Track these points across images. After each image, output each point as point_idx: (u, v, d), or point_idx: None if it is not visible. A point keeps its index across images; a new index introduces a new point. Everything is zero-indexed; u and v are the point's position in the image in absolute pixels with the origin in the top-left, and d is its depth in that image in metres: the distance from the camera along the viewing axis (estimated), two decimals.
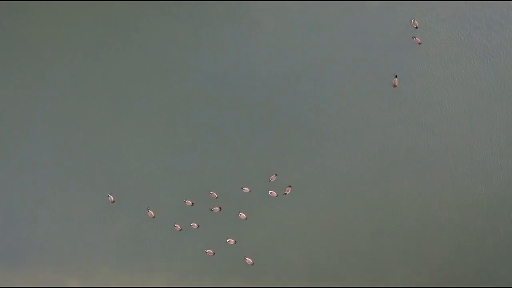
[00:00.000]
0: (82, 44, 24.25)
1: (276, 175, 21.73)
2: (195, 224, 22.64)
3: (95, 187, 23.04)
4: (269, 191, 21.69)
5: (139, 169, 23.01)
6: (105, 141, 23.20)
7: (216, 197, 22.48)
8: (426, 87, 20.96)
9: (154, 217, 22.83)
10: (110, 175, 23.06)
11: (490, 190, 19.84)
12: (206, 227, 22.36)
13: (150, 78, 23.71)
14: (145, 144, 23.25)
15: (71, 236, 23.28)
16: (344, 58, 21.89)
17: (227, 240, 22.15)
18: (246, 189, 22.08)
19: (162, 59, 23.90)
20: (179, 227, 22.66)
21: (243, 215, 21.87)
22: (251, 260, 22.09)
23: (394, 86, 20.81)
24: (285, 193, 21.51)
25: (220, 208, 22.36)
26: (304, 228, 21.35)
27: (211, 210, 22.32)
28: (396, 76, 20.49)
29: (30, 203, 23.53)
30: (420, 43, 20.96)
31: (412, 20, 21.10)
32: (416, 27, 21.00)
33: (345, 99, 21.57)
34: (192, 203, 22.48)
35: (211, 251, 22.11)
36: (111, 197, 22.90)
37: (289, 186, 21.61)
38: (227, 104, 22.74)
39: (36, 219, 23.51)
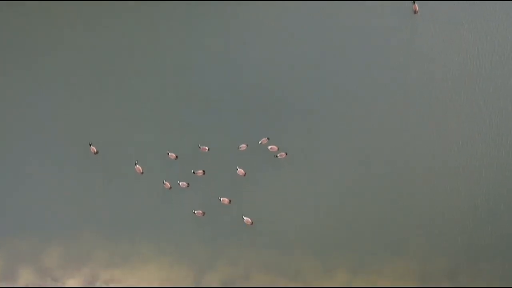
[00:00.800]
0: None
1: (268, 138, 20.47)
2: (184, 183, 20.43)
3: (75, 141, 21.97)
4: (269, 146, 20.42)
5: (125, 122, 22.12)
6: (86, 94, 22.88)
7: (208, 150, 20.87)
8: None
9: (142, 172, 21.00)
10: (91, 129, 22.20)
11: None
12: (197, 187, 20.76)
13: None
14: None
15: (50, 197, 21.99)
16: None
17: (220, 199, 19.92)
18: (243, 146, 20.55)
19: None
20: (168, 185, 20.82)
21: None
22: (250, 220, 19.99)
23: (415, 12, 20.45)
24: (277, 156, 20.27)
25: (203, 171, 20.70)
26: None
27: (193, 173, 20.67)
28: (414, 2, 20.03)
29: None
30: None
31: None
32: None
33: None
34: (176, 156, 20.86)
35: (200, 212, 20.03)
36: (94, 147, 21.31)
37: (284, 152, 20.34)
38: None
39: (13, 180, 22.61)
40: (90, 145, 21.47)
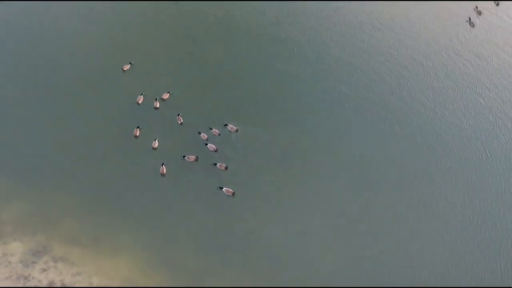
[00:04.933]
0: None
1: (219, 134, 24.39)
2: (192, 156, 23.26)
3: None
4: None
5: None
6: None
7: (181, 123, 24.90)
8: None
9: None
10: None
11: None
12: None
13: None
14: None
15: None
16: None
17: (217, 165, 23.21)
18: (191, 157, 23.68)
19: None
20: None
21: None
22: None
23: (479, 13, 27.95)
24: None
25: (196, 157, 23.24)
26: None
27: (183, 157, 23.30)
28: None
29: None
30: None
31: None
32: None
33: None
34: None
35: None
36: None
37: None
38: None
39: None
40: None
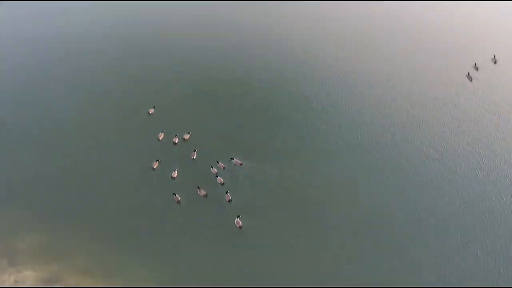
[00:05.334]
0: None
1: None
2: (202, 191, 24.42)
3: None
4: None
5: None
6: None
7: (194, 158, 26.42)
8: None
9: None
10: None
11: None
12: None
13: None
14: None
15: None
16: None
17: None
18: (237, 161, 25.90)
19: None
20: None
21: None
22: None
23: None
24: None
25: (206, 194, 24.09)
26: None
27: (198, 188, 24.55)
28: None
29: None
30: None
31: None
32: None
33: None
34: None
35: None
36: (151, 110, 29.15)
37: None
38: None
39: None
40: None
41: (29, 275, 20.19)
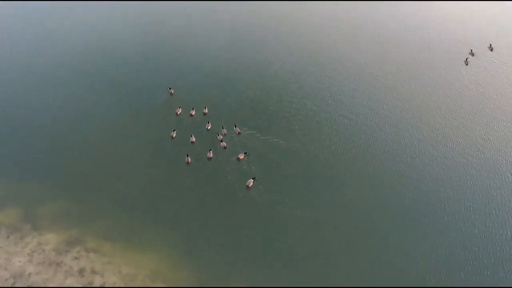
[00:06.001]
0: None
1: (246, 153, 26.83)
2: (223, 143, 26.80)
3: None
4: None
5: None
6: None
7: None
8: None
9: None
10: None
11: None
12: None
13: None
14: None
15: None
16: None
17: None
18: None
19: None
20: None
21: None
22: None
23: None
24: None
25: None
26: None
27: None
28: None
29: None
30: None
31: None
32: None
33: None
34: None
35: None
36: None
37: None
38: None
39: None
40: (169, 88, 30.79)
41: (51, 238, 20.83)
